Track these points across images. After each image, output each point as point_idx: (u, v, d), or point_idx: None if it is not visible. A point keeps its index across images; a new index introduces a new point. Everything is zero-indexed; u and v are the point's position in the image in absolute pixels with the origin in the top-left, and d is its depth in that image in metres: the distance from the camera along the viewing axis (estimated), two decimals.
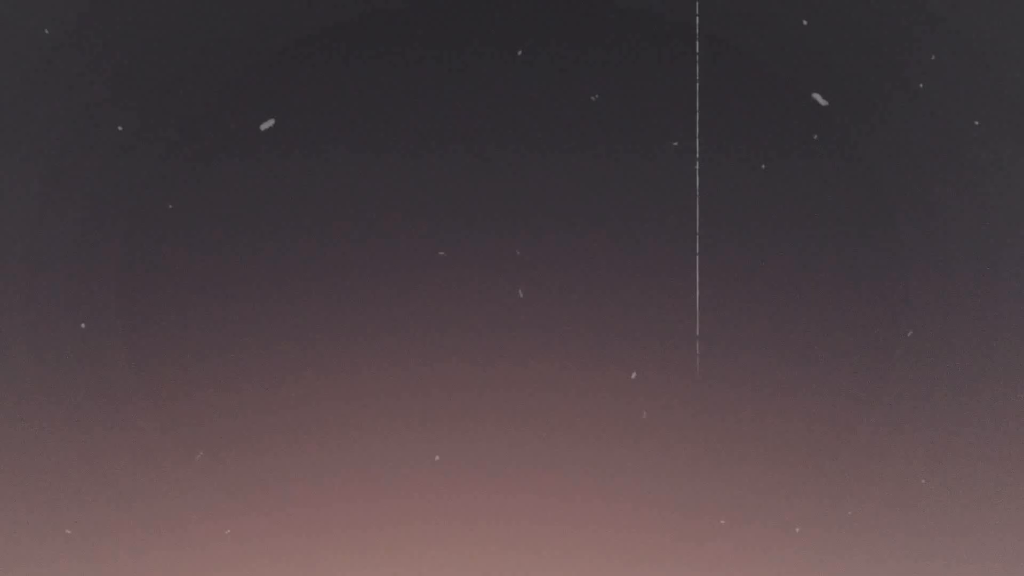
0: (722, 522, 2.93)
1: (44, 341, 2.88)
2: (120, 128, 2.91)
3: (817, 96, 2.27)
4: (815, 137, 2.94)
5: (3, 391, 2.87)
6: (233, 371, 2.92)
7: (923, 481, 2.93)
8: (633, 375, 2.81)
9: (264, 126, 2.56)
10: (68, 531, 2.86)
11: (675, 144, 2.71)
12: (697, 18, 2.77)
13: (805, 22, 2.49)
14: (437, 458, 2.94)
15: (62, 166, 2.90)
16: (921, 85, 2.91)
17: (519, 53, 2.64)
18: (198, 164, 2.93)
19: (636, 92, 2.96)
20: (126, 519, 2.89)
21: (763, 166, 2.97)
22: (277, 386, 2.93)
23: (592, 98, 2.56)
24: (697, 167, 2.96)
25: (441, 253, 2.76)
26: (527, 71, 2.95)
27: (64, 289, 2.90)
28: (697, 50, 2.76)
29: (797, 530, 2.94)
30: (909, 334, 2.92)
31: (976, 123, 2.75)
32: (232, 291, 2.93)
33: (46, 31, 2.71)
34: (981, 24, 2.94)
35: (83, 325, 2.89)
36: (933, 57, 2.63)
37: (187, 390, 2.91)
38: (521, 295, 2.76)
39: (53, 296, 2.89)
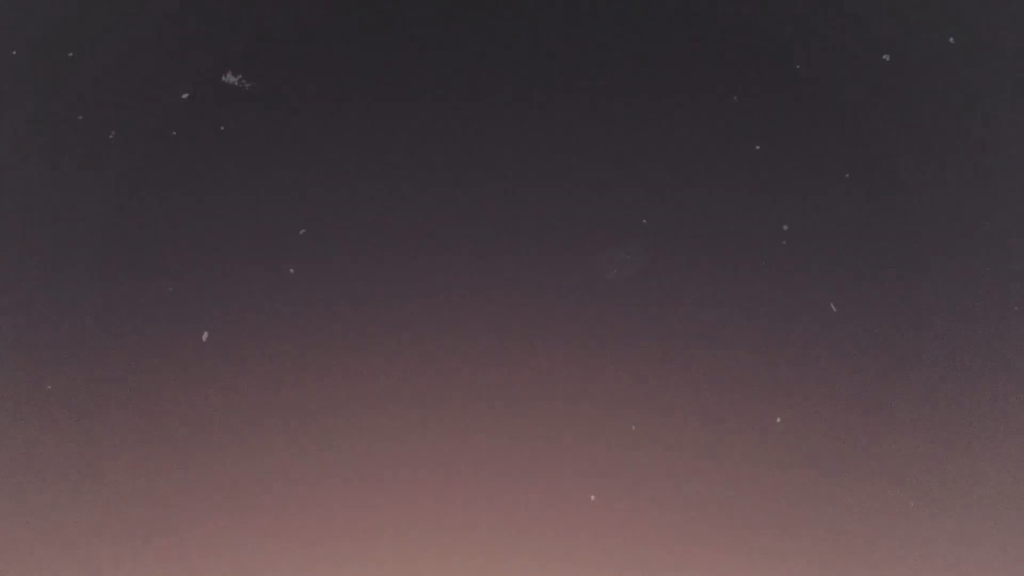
0: (718, 521, 2.93)
1: (44, 340, 2.90)
2: (120, 127, 2.93)
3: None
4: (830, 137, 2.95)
5: (3, 391, 2.88)
6: (233, 371, 2.93)
7: (923, 480, 2.93)
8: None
9: (226, 79, 2.56)
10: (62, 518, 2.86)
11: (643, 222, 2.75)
12: None
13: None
14: (439, 459, 2.95)
15: (64, 166, 2.92)
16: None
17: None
18: (197, 163, 2.95)
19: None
20: (126, 519, 2.89)
21: (757, 169, 2.99)
22: (277, 386, 2.94)
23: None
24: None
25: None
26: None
27: (65, 289, 2.91)
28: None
29: (796, 530, 2.93)
30: (888, 328, 2.92)
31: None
32: (233, 291, 2.94)
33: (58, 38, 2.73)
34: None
35: (85, 325, 2.90)
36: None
37: (188, 390, 2.92)
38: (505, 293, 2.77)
39: (54, 296, 2.91)
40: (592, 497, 2.89)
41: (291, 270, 2.85)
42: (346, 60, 2.98)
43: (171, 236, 2.94)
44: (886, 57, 2.55)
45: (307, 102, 2.95)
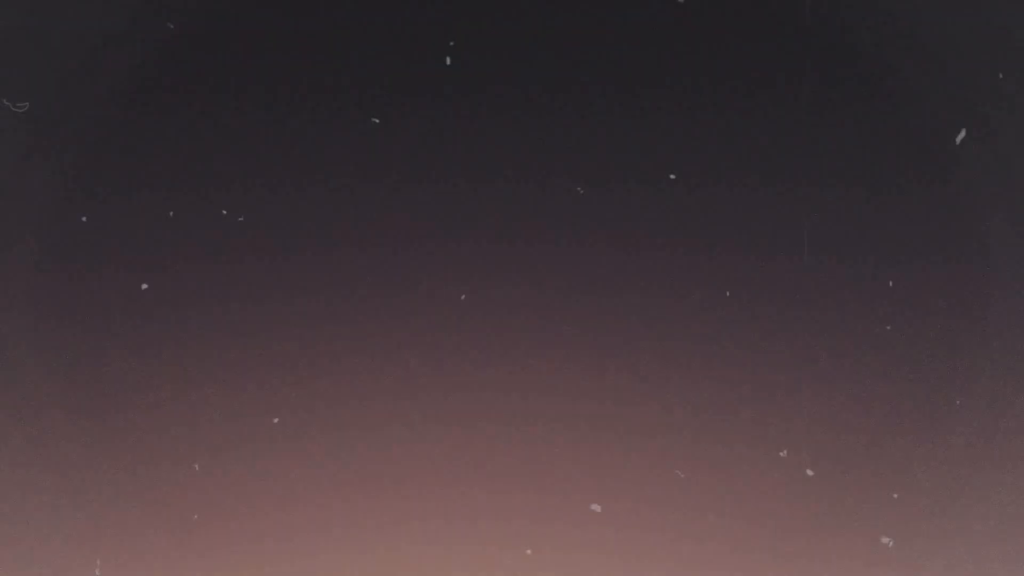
0: (718, 518, 2.93)
1: (44, 341, 2.89)
2: (122, 132, 2.92)
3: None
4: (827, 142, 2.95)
5: (3, 391, 2.87)
6: (233, 371, 2.92)
7: (922, 479, 2.93)
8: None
9: (18, 108, 2.53)
10: (68, 529, 2.87)
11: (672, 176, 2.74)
12: None
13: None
14: (436, 457, 2.95)
15: (63, 167, 2.91)
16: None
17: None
18: (198, 165, 2.94)
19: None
20: (126, 519, 2.89)
21: (760, 174, 2.99)
22: (277, 387, 2.93)
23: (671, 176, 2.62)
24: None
25: (463, 297, 2.78)
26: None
27: (65, 290, 2.91)
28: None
29: (797, 530, 2.94)
30: (888, 328, 2.93)
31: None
32: (233, 292, 2.94)
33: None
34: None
35: (84, 325, 2.90)
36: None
37: (187, 390, 2.91)
38: (463, 297, 2.77)
39: (54, 296, 2.90)
40: (595, 507, 2.89)
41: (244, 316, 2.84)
42: (344, 61, 2.97)
43: (173, 235, 2.94)
44: (1000, 75, 2.52)
45: (304, 102, 2.95)
